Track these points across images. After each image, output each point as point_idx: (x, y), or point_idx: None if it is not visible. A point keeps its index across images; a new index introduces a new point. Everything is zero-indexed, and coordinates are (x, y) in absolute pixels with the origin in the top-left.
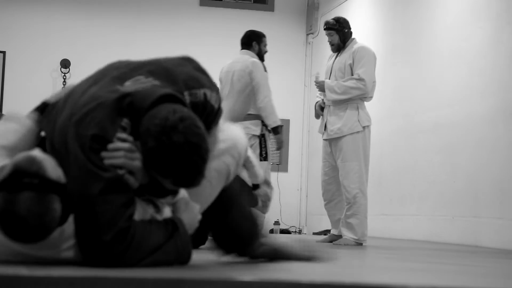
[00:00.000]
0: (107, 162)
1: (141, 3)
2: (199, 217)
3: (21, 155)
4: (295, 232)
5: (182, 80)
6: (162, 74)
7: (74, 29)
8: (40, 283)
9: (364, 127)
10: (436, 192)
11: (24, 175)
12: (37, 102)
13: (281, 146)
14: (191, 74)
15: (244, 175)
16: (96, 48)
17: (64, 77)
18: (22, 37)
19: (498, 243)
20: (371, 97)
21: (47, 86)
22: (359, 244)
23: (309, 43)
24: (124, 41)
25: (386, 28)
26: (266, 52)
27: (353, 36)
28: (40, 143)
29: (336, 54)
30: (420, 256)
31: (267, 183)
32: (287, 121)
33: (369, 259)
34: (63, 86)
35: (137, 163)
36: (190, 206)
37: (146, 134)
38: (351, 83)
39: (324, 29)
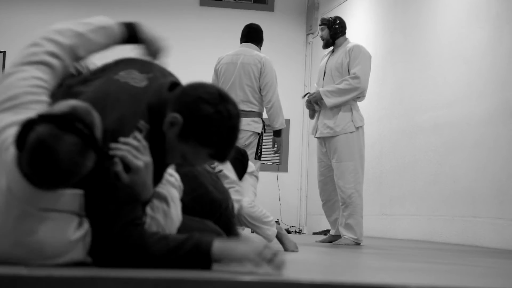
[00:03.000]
0: (111, 152)
1: (141, 3)
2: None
3: (78, 103)
4: (295, 232)
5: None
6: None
7: None
8: (40, 283)
9: (357, 128)
10: (436, 192)
11: (77, 120)
12: None
13: (280, 149)
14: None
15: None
16: None
17: None
18: (22, 37)
19: (498, 243)
20: (364, 96)
21: None
22: (357, 243)
23: (309, 43)
24: None
25: (386, 28)
26: None
27: (347, 36)
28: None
29: (328, 54)
30: (420, 256)
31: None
32: (287, 121)
33: (368, 259)
34: None
35: (139, 162)
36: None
37: (198, 101)
38: (345, 84)
39: (319, 25)
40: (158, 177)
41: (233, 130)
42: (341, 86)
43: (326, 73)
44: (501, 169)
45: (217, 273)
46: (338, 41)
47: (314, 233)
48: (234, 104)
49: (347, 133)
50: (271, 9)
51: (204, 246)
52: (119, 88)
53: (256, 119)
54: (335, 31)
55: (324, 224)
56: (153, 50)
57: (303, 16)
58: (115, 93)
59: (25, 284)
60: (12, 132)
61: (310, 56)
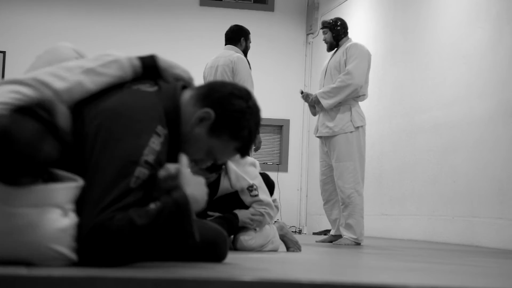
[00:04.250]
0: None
1: (142, 3)
2: (206, 190)
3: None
4: (295, 232)
5: None
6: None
7: (74, 29)
8: (40, 283)
9: (357, 128)
10: (436, 192)
11: (37, 105)
12: None
13: (259, 147)
14: None
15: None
16: (96, 48)
17: None
18: (22, 37)
19: (498, 243)
20: (364, 94)
21: None
22: (357, 243)
23: (309, 43)
24: (124, 41)
25: (386, 28)
26: (249, 48)
27: (349, 36)
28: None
29: (332, 55)
30: (420, 256)
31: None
32: (287, 121)
33: (369, 259)
34: None
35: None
36: (197, 179)
37: (230, 96)
38: (338, 82)
39: (320, 28)
40: None
41: (258, 124)
42: (335, 85)
43: (326, 72)
44: (501, 169)
45: (217, 273)
46: (341, 42)
47: (314, 233)
48: (256, 100)
49: (346, 133)
50: (271, 9)
51: (182, 200)
52: (132, 94)
53: None
54: (337, 33)
55: (324, 224)
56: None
57: (303, 16)
58: (129, 100)
59: (25, 284)
60: None
61: (310, 56)
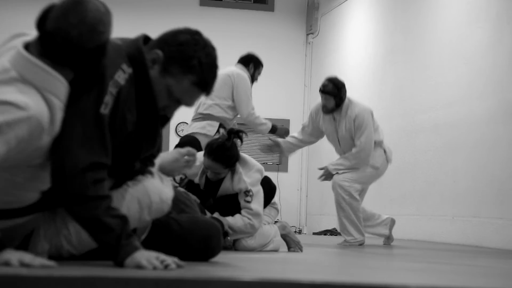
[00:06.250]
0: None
1: (141, 3)
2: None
3: None
4: (295, 232)
5: None
6: None
7: None
8: (40, 283)
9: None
10: (436, 192)
11: None
12: None
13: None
14: None
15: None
16: None
17: None
18: None
19: (498, 243)
20: (381, 140)
21: None
22: (360, 244)
23: (309, 43)
24: None
25: (386, 28)
26: (256, 80)
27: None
28: None
29: (330, 115)
30: (420, 256)
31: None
32: (287, 121)
33: (369, 259)
34: None
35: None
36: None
37: (175, 33)
38: (353, 159)
39: (321, 91)
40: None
41: (211, 56)
42: (351, 163)
43: (340, 142)
44: (501, 169)
45: (217, 273)
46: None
47: (314, 233)
48: (209, 41)
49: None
50: (271, 9)
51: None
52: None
53: (212, 122)
54: (341, 100)
55: (324, 224)
56: None
57: (303, 16)
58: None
59: (25, 284)
60: None
61: (310, 56)
